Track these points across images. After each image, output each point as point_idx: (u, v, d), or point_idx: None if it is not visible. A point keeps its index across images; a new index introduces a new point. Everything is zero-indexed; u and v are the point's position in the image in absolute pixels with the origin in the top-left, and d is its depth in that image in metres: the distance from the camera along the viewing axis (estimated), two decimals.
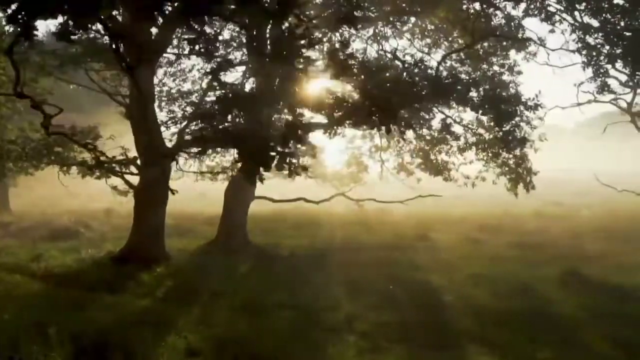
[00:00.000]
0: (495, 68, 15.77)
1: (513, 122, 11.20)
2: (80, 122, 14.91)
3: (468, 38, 14.16)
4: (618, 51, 10.96)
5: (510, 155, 13.50)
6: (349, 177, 19.76)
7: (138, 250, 11.50)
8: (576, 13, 11.64)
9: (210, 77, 10.15)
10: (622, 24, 10.97)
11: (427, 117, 12.32)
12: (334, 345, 6.58)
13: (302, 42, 5.89)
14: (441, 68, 11.29)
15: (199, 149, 10.71)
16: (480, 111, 10.93)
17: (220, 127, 5.39)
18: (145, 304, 8.39)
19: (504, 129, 11.21)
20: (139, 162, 11.45)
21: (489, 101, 10.47)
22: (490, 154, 14.10)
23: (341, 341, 6.78)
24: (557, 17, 12.07)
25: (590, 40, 11.46)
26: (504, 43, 14.50)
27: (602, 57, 11.41)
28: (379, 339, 6.92)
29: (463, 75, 14.06)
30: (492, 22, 14.97)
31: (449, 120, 12.63)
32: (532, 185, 13.73)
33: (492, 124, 11.59)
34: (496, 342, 6.83)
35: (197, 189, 23.79)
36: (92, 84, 12.96)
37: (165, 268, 10.94)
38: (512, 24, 14.59)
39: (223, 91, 9.12)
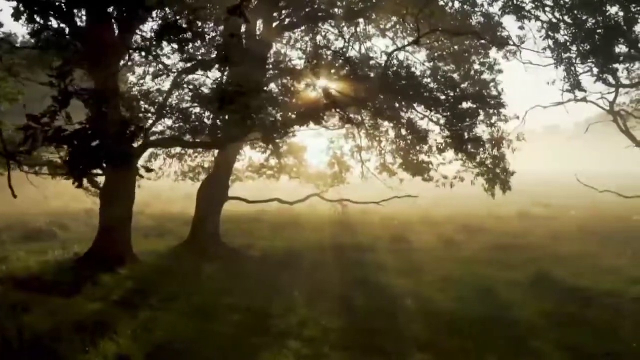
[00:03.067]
0: (476, 67, 15.56)
1: (467, 121, 10.90)
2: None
3: (446, 35, 13.98)
4: (587, 47, 10.70)
5: (486, 155, 13.24)
6: (331, 177, 19.47)
7: (103, 252, 11.33)
8: (547, 10, 11.40)
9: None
10: (593, 20, 10.72)
11: (394, 115, 12.07)
12: (272, 352, 6.36)
13: (186, 35, 5.68)
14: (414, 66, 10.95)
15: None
16: (434, 110, 10.66)
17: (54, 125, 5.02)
18: (95, 307, 8.19)
19: (454, 128, 10.91)
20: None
21: (448, 100, 10.20)
22: (467, 154, 13.81)
23: (284, 347, 6.57)
24: (531, 15, 11.79)
25: (559, 37, 11.23)
26: (479, 42, 14.24)
27: (572, 55, 11.18)
28: (324, 345, 6.70)
29: (441, 74, 13.80)
30: (471, 21, 14.82)
31: (414, 120, 12.41)
32: (509, 186, 13.45)
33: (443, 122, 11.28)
34: (444, 348, 6.61)
35: (184, 189, 23.67)
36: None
37: (128, 270, 10.78)
38: (491, 22, 14.37)
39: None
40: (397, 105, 11.04)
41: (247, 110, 6.32)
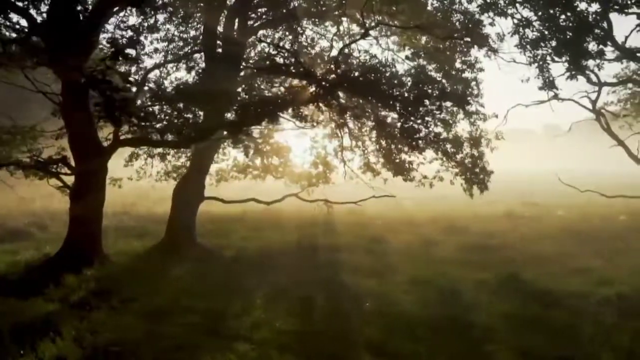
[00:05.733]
0: (458, 65, 15.39)
1: (425, 119, 10.69)
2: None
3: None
4: (553, 44, 10.54)
5: (463, 154, 13.07)
6: (316, 177, 19.28)
7: (72, 252, 11.21)
8: (519, 6, 11.24)
9: None
10: (564, 17, 10.54)
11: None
12: (216, 355, 6.23)
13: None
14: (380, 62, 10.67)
15: None
16: (392, 107, 10.43)
17: None
18: (50, 309, 8.06)
19: (406, 125, 10.71)
20: (72, 161, 11.16)
21: (406, 96, 10.00)
22: (447, 153, 13.62)
23: (231, 350, 6.44)
24: (504, 12, 11.62)
25: (529, 33, 11.06)
26: (462, 40, 14.06)
27: (544, 52, 11.02)
28: (273, 348, 6.57)
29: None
30: (453, 19, 14.66)
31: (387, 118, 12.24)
32: (486, 185, 13.25)
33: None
34: (395, 352, 6.47)
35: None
36: (27, 83, 12.62)
37: (96, 270, 10.64)
38: (471, 19, 14.19)
39: None
40: (356, 102, 10.90)
41: (110, 105, 6.18)
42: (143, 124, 8.32)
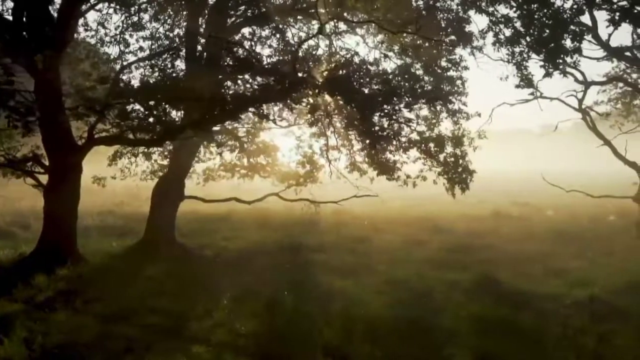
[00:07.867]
0: (443, 64, 15.21)
1: (379, 115, 10.48)
2: None
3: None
4: (528, 39, 10.37)
5: (446, 154, 12.90)
6: (304, 176, 19.13)
7: (47, 252, 11.10)
8: (498, 4, 11.07)
9: None
10: (541, 13, 10.35)
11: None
12: (169, 357, 6.09)
13: None
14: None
15: None
16: (355, 104, 10.25)
17: None
18: (12, 309, 7.94)
19: (367, 123, 10.52)
20: (45, 160, 11.04)
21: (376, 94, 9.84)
22: (429, 153, 13.45)
23: (185, 352, 6.30)
24: (482, 9, 11.46)
25: (505, 30, 10.92)
26: (447, 38, 13.88)
27: (521, 49, 10.85)
28: (229, 350, 6.45)
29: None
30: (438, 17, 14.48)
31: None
32: (467, 185, 13.06)
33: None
34: (351, 355, 6.33)
35: None
36: None
37: (68, 270, 10.51)
38: (456, 17, 14.01)
39: None
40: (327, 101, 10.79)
41: None
42: (21, 118, 8.17)
